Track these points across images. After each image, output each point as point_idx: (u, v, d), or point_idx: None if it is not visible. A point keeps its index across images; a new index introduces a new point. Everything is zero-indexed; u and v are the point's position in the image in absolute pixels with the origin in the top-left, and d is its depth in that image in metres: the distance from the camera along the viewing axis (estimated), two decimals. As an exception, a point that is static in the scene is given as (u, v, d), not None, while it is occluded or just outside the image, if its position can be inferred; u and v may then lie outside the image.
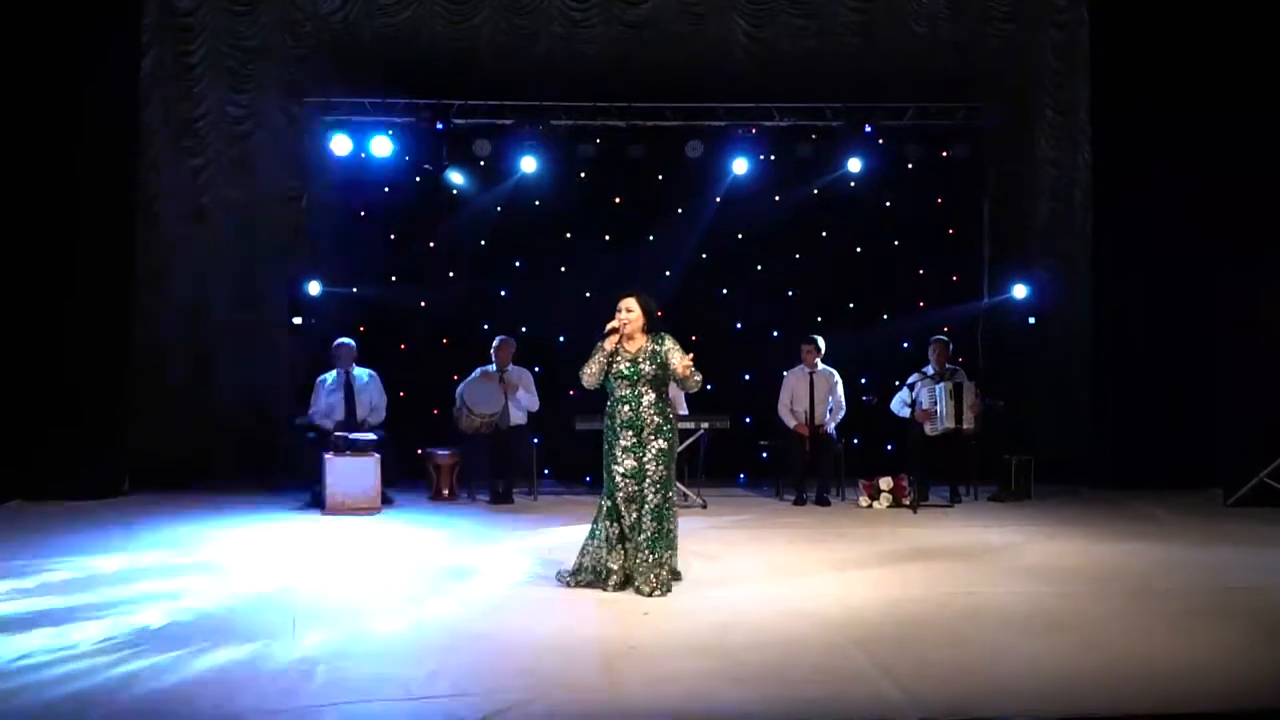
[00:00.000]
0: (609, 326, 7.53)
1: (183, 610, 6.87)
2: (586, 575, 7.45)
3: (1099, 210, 13.22)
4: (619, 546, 7.37)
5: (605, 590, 7.30)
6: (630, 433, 7.43)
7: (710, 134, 13.55)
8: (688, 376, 7.41)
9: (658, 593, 7.16)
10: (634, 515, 7.36)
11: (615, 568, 7.35)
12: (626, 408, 7.45)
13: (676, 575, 7.51)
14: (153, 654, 5.82)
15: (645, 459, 7.39)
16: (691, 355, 7.47)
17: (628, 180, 13.92)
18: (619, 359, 7.49)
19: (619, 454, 7.45)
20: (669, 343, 7.53)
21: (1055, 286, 14.17)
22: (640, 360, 7.46)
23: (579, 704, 5.11)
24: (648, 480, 7.37)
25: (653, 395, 7.45)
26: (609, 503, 7.46)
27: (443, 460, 12.15)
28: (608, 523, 7.42)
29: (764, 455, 13.04)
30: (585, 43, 13.81)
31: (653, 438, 7.42)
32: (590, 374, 7.53)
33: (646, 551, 7.29)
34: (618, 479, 7.43)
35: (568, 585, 7.50)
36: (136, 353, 12.66)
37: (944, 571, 8.24)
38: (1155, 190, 12.65)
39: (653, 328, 7.60)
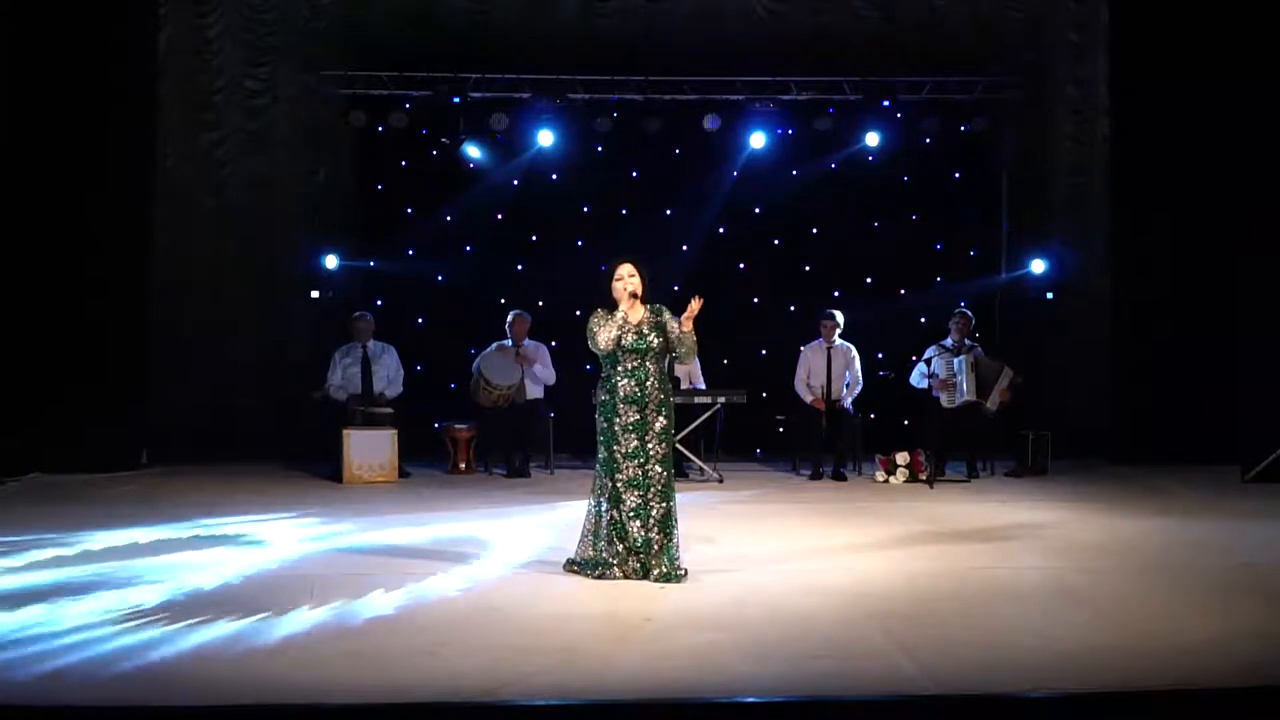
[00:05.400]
0: (628, 291, 7.17)
1: (200, 582, 6.90)
2: (587, 567, 7.16)
3: (1117, 184, 13.17)
4: (616, 538, 7.07)
5: (605, 580, 7.04)
6: (634, 408, 7.14)
7: (728, 108, 13.54)
8: (687, 333, 7.16)
9: (674, 578, 6.94)
10: (637, 500, 7.08)
11: (615, 563, 7.07)
12: (631, 381, 7.17)
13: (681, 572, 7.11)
14: (170, 626, 5.85)
15: (648, 438, 7.13)
16: (699, 300, 7.17)
17: (645, 154, 13.93)
18: (625, 330, 7.20)
19: (619, 432, 7.14)
20: (667, 313, 7.30)
21: (1074, 261, 14.13)
22: (646, 332, 7.21)
23: (592, 677, 5.12)
24: (650, 460, 7.11)
25: (658, 369, 7.24)
26: (609, 485, 7.15)
27: (460, 433, 12.18)
28: (607, 507, 7.14)
29: (780, 430, 13.04)
30: (602, 16, 13.80)
31: (656, 414, 7.17)
32: (608, 339, 7.15)
33: (658, 533, 7.06)
34: (619, 460, 7.14)
35: (575, 574, 7.24)
36: (154, 325, 12.71)
37: (960, 547, 8.23)
38: (1174, 164, 12.58)
39: (649, 297, 7.34)
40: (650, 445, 7.16)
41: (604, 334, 7.18)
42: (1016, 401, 12.16)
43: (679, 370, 11.23)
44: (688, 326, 7.22)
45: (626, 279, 7.24)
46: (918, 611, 6.29)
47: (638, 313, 7.25)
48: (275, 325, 13.82)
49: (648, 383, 7.20)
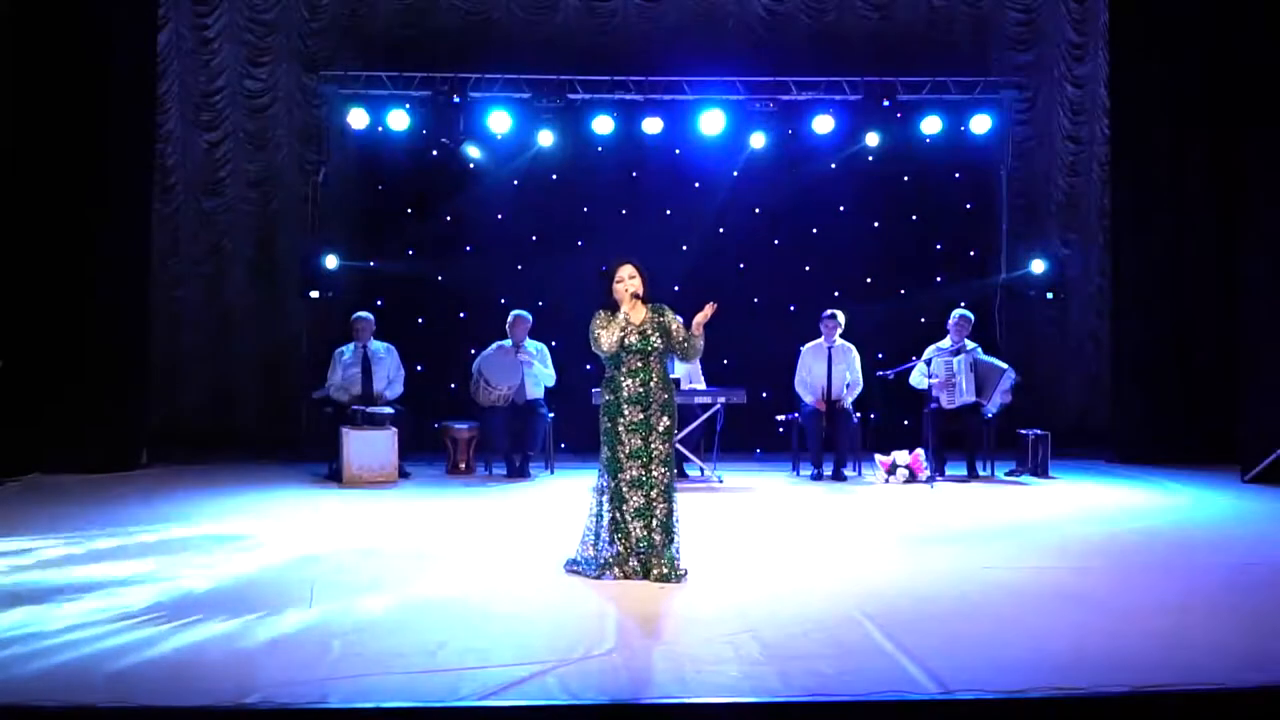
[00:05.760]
0: (632, 291, 7.16)
1: (200, 583, 6.90)
2: (587, 567, 7.15)
3: (1117, 183, 13.19)
4: (617, 538, 7.07)
5: (606, 580, 7.03)
6: (638, 409, 7.13)
7: (728, 108, 13.52)
8: (694, 337, 7.20)
9: (674, 578, 6.93)
10: (640, 500, 7.07)
11: (615, 563, 7.06)
12: (635, 381, 7.16)
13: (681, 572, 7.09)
14: (170, 626, 5.84)
15: (651, 438, 7.12)
16: (713, 306, 7.18)
17: (645, 154, 13.92)
18: (627, 331, 7.19)
19: (622, 431, 7.14)
20: (669, 312, 7.30)
21: (1074, 260, 14.16)
22: (649, 332, 7.19)
23: (592, 677, 5.12)
24: (654, 460, 7.11)
25: (661, 368, 7.24)
26: (612, 484, 7.15)
27: (460, 434, 12.18)
28: (609, 507, 7.14)
29: (780, 429, 13.03)
30: (602, 15, 13.83)
31: (660, 414, 7.15)
32: (611, 340, 7.13)
33: (660, 533, 7.05)
34: (622, 459, 7.13)
35: (575, 574, 7.22)
36: (154, 325, 12.73)
37: (960, 547, 8.22)
38: (1174, 163, 12.60)
39: (648, 298, 7.34)
40: (654, 445, 7.15)
41: (607, 336, 7.18)
42: (1016, 401, 12.16)
43: (678, 369, 11.21)
44: (698, 331, 7.24)
45: (627, 280, 7.23)
46: (918, 611, 6.28)
47: (640, 313, 7.25)
48: (275, 325, 13.86)
49: (651, 383, 7.19)
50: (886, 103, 13.47)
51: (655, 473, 7.13)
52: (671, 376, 7.58)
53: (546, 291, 13.42)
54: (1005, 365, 11.96)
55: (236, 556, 7.72)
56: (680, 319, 7.34)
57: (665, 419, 7.20)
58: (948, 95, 13.65)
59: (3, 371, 10.98)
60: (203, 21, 13.50)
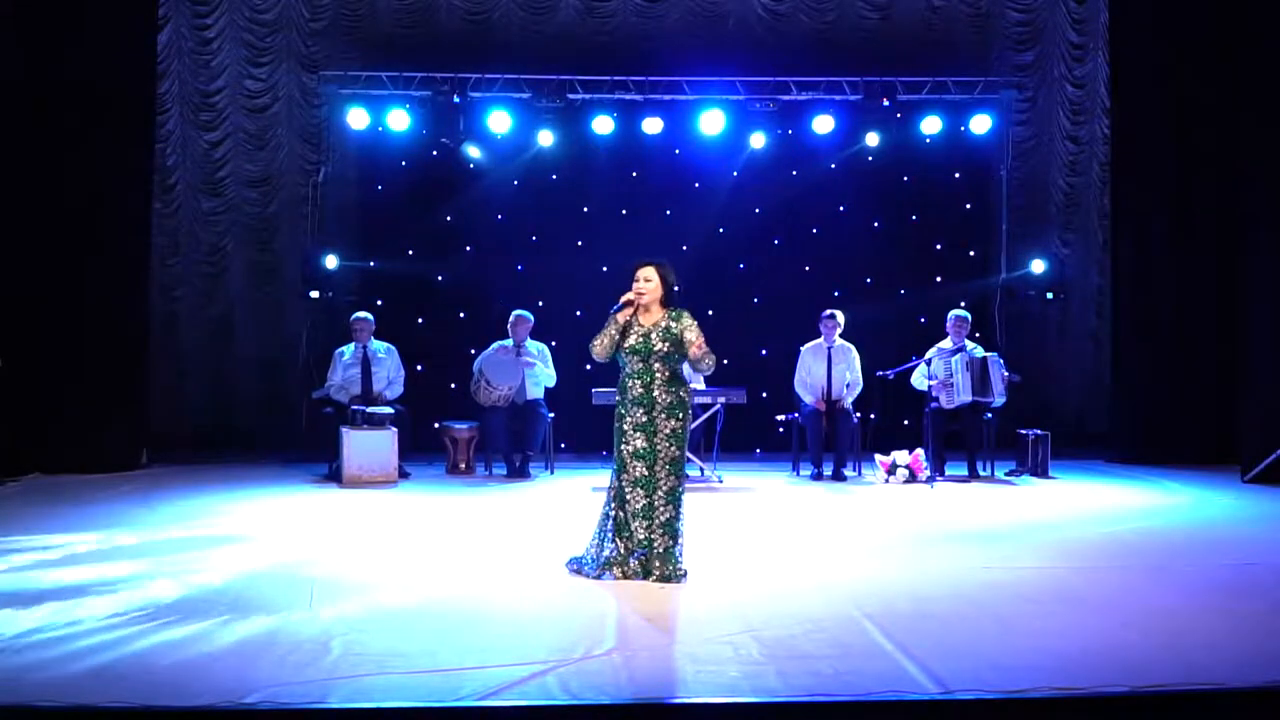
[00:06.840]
0: (624, 298, 7.18)
1: (200, 583, 6.89)
2: (588, 567, 7.14)
3: (1117, 183, 13.18)
4: (619, 538, 7.07)
5: (606, 579, 7.01)
6: (641, 410, 7.09)
7: (728, 108, 13.52)
8: (701, 357, 7.06)
9: (673, 580, 6.91)
10: (642, 501, 7.03)
11: (615, 563, 7.05)
12: (638, 384, 7.12)
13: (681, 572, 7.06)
14: (170, 626, 5.84)
15: (656, 439, 7.06)
16: (701, 338, 7.11)
17: (645, 154, 13.92)
18: (632, 332, 7.16)
19: (629, 431, 7.11)
20: (686, 319, 7.19)
21: (1074, 260, 14.15)
22: (653, 335, 7.12)
23: (592, 677, 5.12)
24: (659, 462, 7.05)
25: (666, 372, 7.13)
26: (617, 483, 7.15)
27: (460, 434, 12.18)
28: (614, 506, 7.13)
29: (780, 430, 13.02)
30: (602, 15, 13.84)
31: (665, 417, 7.08)
32: (601, 346, 7.17)
33: (661, 536, 7.01)
34: (627, 459, 7.10)
35: (576, 574, 7.21)
36: (154, 326, 12.73)
37: (960, 547, 8.22)
38: (1174, 163, 12.59)
39: (671, 301, 7.29)
40: (659, 446, 7.10)
41: (598, 341, 7.24)
42: (1016, 401, 12.17)
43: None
44: (698, 354, 7.10)
45: (642, 283, 7.22)
46: (918, 611, 6.28)
47: (653, 316, 7.23)
48: (275, 325, 13.87)
49: (653, 385, 7.14)
50: (886, 103, 13.47)
51: (660, 474, 7.09)
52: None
53: (546, 291, 13.43)
54: (990, 354, 11.98)
55: (236, 556, 7.71)
56: (696, 328, 7.17)
57: (671, 421, 7.13)
58: (948, 95, 13.65)
59: (3, 371, 10.98)
60: (203, 21, 13.50)
